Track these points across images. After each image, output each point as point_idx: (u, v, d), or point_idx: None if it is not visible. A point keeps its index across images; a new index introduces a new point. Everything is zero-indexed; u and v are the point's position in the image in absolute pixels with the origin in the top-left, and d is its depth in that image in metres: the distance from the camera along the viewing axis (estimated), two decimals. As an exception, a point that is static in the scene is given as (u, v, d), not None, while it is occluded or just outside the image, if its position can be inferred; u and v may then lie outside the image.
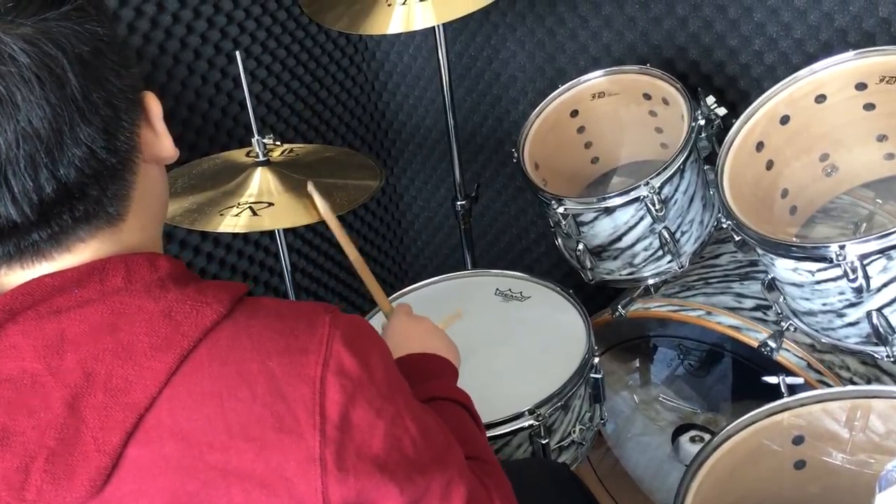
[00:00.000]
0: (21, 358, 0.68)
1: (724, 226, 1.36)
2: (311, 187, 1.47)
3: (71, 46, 0.68)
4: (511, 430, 1.36)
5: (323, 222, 1.46)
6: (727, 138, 1.43)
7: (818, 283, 1.26)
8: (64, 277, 0.71)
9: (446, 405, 1.00)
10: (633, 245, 1.57)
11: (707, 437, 1.70)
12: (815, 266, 1.24)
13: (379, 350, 0.78)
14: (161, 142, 0.79)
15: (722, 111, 1.57)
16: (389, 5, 1.57)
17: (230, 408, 0.68)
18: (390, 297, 1.71)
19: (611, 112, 1.75)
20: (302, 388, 0.70)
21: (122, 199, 0.74)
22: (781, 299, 1.40)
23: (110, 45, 0.72)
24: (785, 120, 1.45)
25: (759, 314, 1.54)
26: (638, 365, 1.91)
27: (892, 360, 1.28)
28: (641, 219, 1.52)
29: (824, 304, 1.29)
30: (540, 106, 1.74)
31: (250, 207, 1.47)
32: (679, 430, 1.78)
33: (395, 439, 0.74)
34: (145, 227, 0.78)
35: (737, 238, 1.35)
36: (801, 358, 1.47)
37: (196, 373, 0.69)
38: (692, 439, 1.72)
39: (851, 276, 1.19)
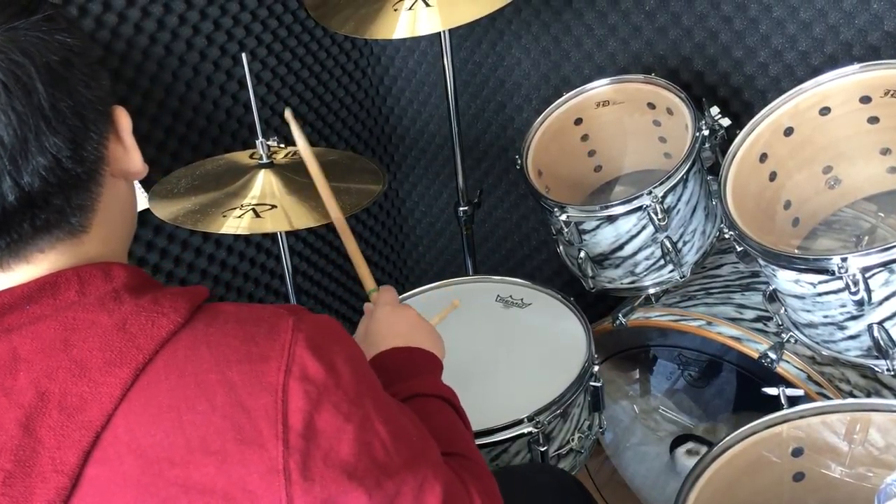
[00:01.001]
0: None
1: (727, 236, 1.36)
2: (288, 114, 1.43)
3: (39, 55, 0.68)
4: (510, 437, 1.36)
5: (325, 226, 1.45)
6: (731, 148, 1.43)
7: (820, 295, 1.26)
8: (13, 294, 0.70)
9: (430, 402, 0.99)
10: (634, 254, 1.57)
11: (703, 449, 1.70)
12: (816, 278, 1.24)
13: (346, 351, 0.76)
14: (130, 156, 0.79)
15: (726, 122, 1.58)
16: (395, 10, 1.57)
17: (188, 421, 0.67)
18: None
19: (615, 121, 1.75)
20: (263, 397, 0.69)
21: (85, 210, 0.74)
22: (782, 311, 1.40)
23: (81, 57, 0.72)
24: (789, 132, 1.45)
25: (759, 325, 1.54)
26: (638, 375, 1.91)
27: (892, 373, 1.28)
28: (644, 228, 1.52)
29: (825, 317, 1.29)
30: (544, 113, 1.74)
31: (253, 209, 1.47)
32: (677, 441, 1.78)
33: (364, 444, 0.72)
34: (108, 240, 0.77)
35: (739, 248, 1.35)
36: (802, 370, 1.47)
37: (152, 387, 0.68)
38: (688, 452, 1.72)
39: (853, 289, 1.19)
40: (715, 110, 1.58)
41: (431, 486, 0.76)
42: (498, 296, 1.68)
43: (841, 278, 1.19)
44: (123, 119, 0.78)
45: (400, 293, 1.73)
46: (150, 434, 0.66)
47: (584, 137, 1.78)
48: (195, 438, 0.67)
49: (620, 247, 1.56)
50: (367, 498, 0.71)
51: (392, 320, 1.16)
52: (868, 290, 1.19)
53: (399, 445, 0.75)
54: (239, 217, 1.46)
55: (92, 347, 0.68)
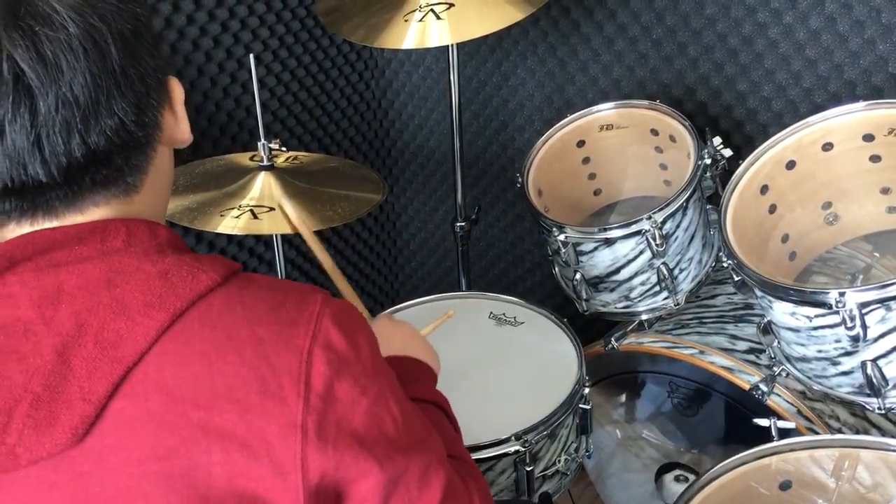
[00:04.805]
0: (16, 307, 0.70)
1: (725, 265, 1.36)
2: (285, 204, 1.47)
3: (115, 22, 0.72)
4: (496, 455, 1.34)
5: (319, 236, 1.45)
6: (733, 178, 1.43)
7: (815, 328, 1.25)
8: (66, 232, 0.72)
9: (425, 407, 1.01)
10: (630, 278, 1.57)
11: (692, 476, 1.69)
12: (813, 311, 1.23)
13: (367, 334, 0.80)
14: (179, 125, 0.82)
15: (728, 152, 1.58)
16: (406, 21, 1.58)
17: (217, 369, 0.70)
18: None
19: (617, 145, 1.76)
20: (289, 356, 0.72)
21: (139, 171, 0.77)
22: (776, 343, 1.39)
23: (147, 27, 0.76)
24: (791, 165, 1.46)
25: (751, 357, 1.54)
26: (625, 401, 1.90)
27: (882, 412, 1.27)
28: (641, 252, 1.52)
29: (819, 351, 1.28)
30: (548, 133, 1.74)
31: (251, 210, 1.46)
32: (663, 469, 1.77)
33: (376, 417, 0.75)
34: (153, 203, 0.80)
35: (736, 278, 1.34)
36: (792, 404, 1.46)
37: (187, 333, 0.71)
38: (676, 478, 1.71)
39: (849, 324, 1.19)
40: (717, 140, 1.58)
41: (437, 470, 0.79)
42: (491, 313, 1.68)
43: (838, 313, 1.19)
44: (177, 89, 0.82)
45: (391, 307, 1.73)
46: (179, 375, 0.69)
47: (586, 160, 1.79)
48: (221, 385, 0.69)
49: (617, 270, 1.56)
50: (378, 469, 0.73)
51: (389, 332, 1.19)
52: (864, 327, 1.19)
53: (409, 426, 0.79)
54: (236, 217, 1.45)
55: (134, 290, 0.71)
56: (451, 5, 1.57)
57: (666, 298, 1.59)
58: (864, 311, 1.18)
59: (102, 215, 0.75)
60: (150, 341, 0.69)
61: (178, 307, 0.70)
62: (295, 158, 1.66)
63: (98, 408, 0.67)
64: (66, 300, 0.69)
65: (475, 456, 1.33)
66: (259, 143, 1.59)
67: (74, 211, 0.74)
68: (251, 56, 1.53)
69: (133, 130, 0.74)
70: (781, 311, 1.29)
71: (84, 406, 0.67)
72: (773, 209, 1.48)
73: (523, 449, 1.35)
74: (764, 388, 1.45)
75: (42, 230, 0.73)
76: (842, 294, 1.17)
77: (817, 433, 1.42)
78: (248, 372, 0.70)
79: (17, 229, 0.74)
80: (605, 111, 1.73)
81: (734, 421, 1.68)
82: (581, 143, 1.76)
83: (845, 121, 1.42)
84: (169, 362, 0.69)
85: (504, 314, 1.67)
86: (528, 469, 1.37)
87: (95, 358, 0.68)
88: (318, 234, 2.32)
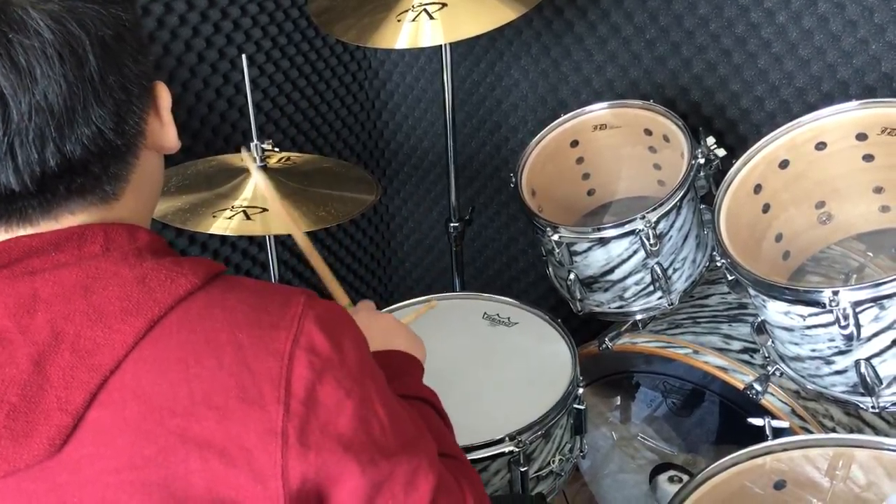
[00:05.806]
0: None
1: (719, 264, 1.36)
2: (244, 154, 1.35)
3: (94, 28, 0.69)
4: (490, 455, 1.34)
5: (313, 237, 1.44)
6: (726, 178, 1.43)
7: (809, 328, 1.25)
8: (42, 239, 0.71)
9: (412, 404, 0.98)
10: (624, 278, 1.56)
11: (686, 477, 1.69)
12: (807, 310, 1.23)
13: (353, 336, 0.78)
14: (166, 131, 0.80)
15: (721, 152, 1.58)
16: (399, 21, 1.57)
17: (195, 374, 0.69)
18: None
19: (611, 145, 1.76)
20: (269, 361, 0.71)
21: (119, 179, 0.75)
22: (770, 343, 1.39)
23: (131, 31, 0.74)
24: (784, 164, 1.46)
25: (746, 357, 1.54)
26: (619, 402, 1.90)
27: (876, 410, 1.27)
28: (635, 252, 1.52)
29: (813, 350, 1.28)
30: (541, 133, 1.74)
31: (244, 211, 1.46)
32: (657, 470, 1.76)
33: (362, 421, 0.74)
34: (136, 209, 0.79)
35: (730, 277, 1.34)
36: (786, 403, 1.46)
37: (164, 339, 0.69)
38: (670, 479, 1.71)
39: (843, 323, 1.19)
40: (711, 140, 1.58)
41: (425, 473, 0.78)
42: (485, 313, 1.67)
43: (831, 311, 1.19)
44: (164, 95, 0.80)
45: (385, 307, 1.72)
46: (156, 383, 0.68)
47: (580, 160, 1.78)
48: (199, 392, 0.68)
49: (611, 270, 1.56)
50: (359, 472, 0.72)
51: (370, 324, 1.16)
52: (858, 325, 1.19)
53: (396, 429, 0.77)
54: (229, 218, 1.45)
55: (111, 296, 0.69)
56: (444, 5, 1.56)
57: (660, 298, 1.59)
58: (857, 309, 1.18)
59: (78, 223, 0.73)
60: (127, 349, 0.68)
61: (155, 313, 0.69)
62: (288, 159, 1.66)
63: (75, 418, 0.66)
64: (43, 308, 0.68)
65: (469, 457, 1.33)
66: (252, 144, 1.58)
67: (49, 218, 0.72)
68: (243, 57, 1.53)
69: (112, 139, 0.72)
70: (775, 311, 1.29)
71: (61, 416, 0.66)
72: (766, 208, 1.47)
73: (517, 449, 1.34)
74: (758, 387, 1.45)
75: (18, 237, 0.71)
76: (835, 293, 1.17)
77: (811, 432, 1.42)
78: (227, 377, 0.69)
79: None
80: (599, 111, 1.73)
81: (728, 420, 1.68)
82: (575, 144, 1.76)
83: (838, 120, 1.42)
84: (146, 369, 0.68)
85: (498, 314, 1.66)
86: (523, 470, 1.36)
87: (72, 367, 0.67)
88: (311, 234, 2.32)
